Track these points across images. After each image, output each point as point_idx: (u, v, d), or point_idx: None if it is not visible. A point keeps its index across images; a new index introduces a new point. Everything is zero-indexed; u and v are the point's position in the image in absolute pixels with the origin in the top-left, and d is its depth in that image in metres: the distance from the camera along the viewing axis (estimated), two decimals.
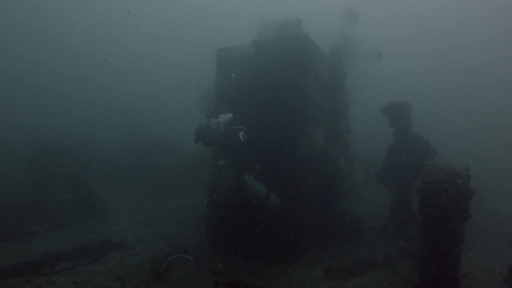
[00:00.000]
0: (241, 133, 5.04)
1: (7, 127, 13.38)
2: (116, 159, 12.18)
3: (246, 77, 5.83)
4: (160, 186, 11.12)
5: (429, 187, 3.69)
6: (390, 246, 5.56)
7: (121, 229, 7.22)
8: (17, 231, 6.49)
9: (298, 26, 7.53)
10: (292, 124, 5.43)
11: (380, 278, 4.78)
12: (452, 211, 3.56)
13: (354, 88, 7.58)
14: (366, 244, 5.92)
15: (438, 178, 3.67)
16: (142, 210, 8.88)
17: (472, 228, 6.37)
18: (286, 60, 5.61)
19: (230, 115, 5.34)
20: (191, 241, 6.04)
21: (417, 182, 5.73)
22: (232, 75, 6.10)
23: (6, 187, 8.23)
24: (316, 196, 5.76)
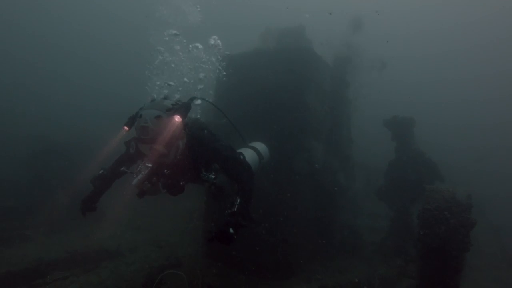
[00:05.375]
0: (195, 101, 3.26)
1: (7, 125, 13.25)
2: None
3: (245, 87, 5.70)
4: None
5: (429, 214, 3.57)
6: (388, 265, 5.44)
7: (117, 235, 7.14)
8: (10, 235, 6.42)
9: (301, 33, 7.37)
10: (292, 138, 5.31)
11: None
12: (451, 242, 3.45)
13: (357, 98, 7.43)
14: (364, 261, 5.80)
15: (439, 205, 3.55)
16: (140, 214, 8.77)
17: (472, 245, 6.23)
18: (287, 72, 5.47)
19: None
20: (186, 252, 5.96)
21: (418, 201, 5.59)
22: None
23: (2, 189, 8.12)
24: (314, 211, 5.65)
